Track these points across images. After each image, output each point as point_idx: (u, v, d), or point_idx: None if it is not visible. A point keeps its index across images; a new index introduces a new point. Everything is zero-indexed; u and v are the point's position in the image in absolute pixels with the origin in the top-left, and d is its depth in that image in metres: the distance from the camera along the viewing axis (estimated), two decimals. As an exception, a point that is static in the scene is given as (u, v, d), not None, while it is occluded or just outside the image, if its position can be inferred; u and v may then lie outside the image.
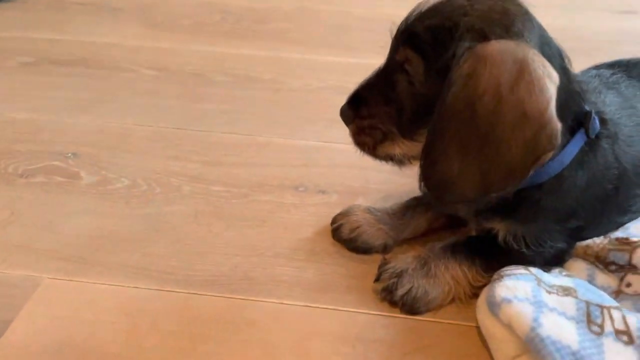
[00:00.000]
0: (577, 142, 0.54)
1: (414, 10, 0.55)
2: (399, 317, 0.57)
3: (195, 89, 1.01)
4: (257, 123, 0.91)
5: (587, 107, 0.56)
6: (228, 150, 0.84)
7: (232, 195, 0.75)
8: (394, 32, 0.58)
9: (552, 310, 0.47)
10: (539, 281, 0.50)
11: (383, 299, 0.58)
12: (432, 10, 0.52)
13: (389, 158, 0.60)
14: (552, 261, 0.57)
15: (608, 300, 0.50)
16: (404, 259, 0.60)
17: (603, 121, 0.57)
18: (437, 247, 0.60)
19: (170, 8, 1.35)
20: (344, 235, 0.66)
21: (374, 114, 0.58)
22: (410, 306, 0.57)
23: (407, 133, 0.56)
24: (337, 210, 0.70)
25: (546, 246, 0.56)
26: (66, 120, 0.90)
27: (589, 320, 0.46)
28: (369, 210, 0.67)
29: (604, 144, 0.57)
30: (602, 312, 0.47)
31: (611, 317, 0.47)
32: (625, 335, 0.45)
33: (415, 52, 0.52)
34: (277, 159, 0.83)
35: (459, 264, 0.58)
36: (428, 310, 0.57)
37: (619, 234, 0.55)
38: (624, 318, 0.47)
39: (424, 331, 0.56)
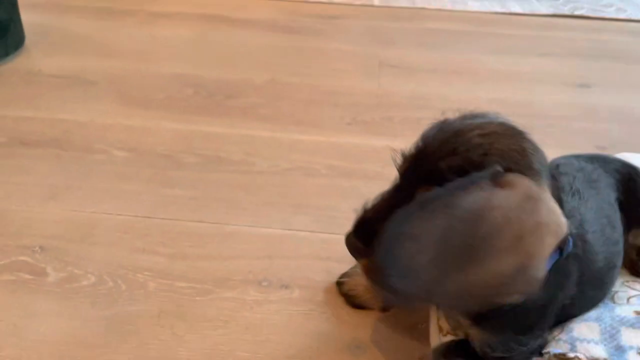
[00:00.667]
0: (549, 262, 0.53)
1: (424, 146, 0.53)
2: None
3: (165, 172, 1.03)
4: (224, 210, 0.93)
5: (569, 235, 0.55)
6: (194, 241, 0.86)
7: (197, 292, 0.77)
8: (400, 161, 0.56)
9: None
10: None
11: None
12: (448, 148, 0.51)
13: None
14: (535, 352, 0.60)
15: None
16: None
17: (577, 240, 0.58)
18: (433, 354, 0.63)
19: (144, 81, 1.39)
20: (343, 291, 0.75)
21: None
22: None
23: None
24: (299, 307, 0.73)
25: (518, 350, 0.59)
26: (35, 209, 0.91)
27: None
28: None
29: (571, 265, 0.58)
30: None
31: None
32: None
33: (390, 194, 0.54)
34: (242, 250, 0.85)
35: None
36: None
37: (557, 349, 0.59)
38: None
39: None
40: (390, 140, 1.18)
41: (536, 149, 0.53)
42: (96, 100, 1.29)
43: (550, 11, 2.18)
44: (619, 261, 0.67)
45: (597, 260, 0.62)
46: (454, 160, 0.50)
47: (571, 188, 0.65)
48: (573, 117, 1.32)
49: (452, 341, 0.64)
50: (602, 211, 0.66)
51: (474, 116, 0.56)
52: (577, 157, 0.78)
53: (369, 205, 0.57)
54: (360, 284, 0.74)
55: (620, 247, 0.67)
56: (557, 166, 0.70)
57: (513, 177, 0.49)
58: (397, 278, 0.46)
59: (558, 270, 0.54)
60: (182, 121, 1.21)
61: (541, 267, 0.48)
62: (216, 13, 1.97)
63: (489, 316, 0.57)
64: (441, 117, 0.58)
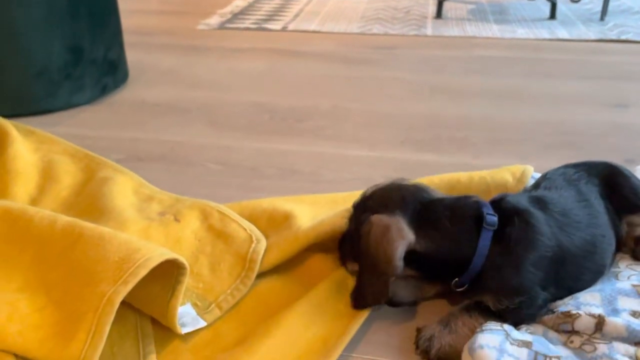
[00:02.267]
0: (485, 238, 0.78)
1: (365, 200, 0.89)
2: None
3: (251, 181, 1.27)
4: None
5: (485, 212, 0.80)
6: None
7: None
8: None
9: (510, 355, 0.68)
10: (507, 335, 0.71)
11: (423, 359, 0.78)
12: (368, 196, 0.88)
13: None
14: (541, 307, 0.78)
15: (552, 352, 0.71)
16: (431, 326, 0.79)
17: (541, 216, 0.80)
18: (454, 309, 0.81)
19: (228, 109, 1.65)
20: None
21: None
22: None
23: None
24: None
25: (526, 298, 0.77)
26: (154, 209, 1.17)
27: None
28: None
29: (518, 234, 0.78)
30: (545, 359, 0.68)
31: None
32: (556, 377, 0.66)
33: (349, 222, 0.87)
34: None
35: (473, 318, 0.78)
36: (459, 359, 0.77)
37: (564, 308, 0.76)
38: None
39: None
40: (438, 156, 1.38)
41: (401, 197, 0.84)
42: (191, 124, 1.56)
43: (598, 36, 2.31)
44: (605, 241, 0.84)
45: (581, 228, 0.81)
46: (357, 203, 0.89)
47: (550, 186, 0.84)
48: (606, 134, 1.47)
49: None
50: (582, 196, 0.85)
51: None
52: (567, 165, 0.97)
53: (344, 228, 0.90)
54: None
55: (603, 230, 0.85)
56: (545, 175, 0.91)
57: (375, 218, 0.81)
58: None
59: (502, 239, 0.78)
60: (261, 141, 1.46)
61: (395, 260, 0.77)
62: (284, 47, 2.25)
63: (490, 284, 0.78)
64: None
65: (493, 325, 0.75)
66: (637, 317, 0.75)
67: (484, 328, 0.74)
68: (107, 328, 0.67)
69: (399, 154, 1.39)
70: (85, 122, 1.58)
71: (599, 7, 2.64)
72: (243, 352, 0.75)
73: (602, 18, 2.56)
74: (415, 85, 1.84)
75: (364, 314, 0.83)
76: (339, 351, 0.77)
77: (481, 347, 0.70)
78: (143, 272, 0.70)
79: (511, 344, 0.70)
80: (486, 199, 1.04)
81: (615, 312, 0.77)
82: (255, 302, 0.87)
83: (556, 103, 1.67)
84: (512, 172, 1.05)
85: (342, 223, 0.97)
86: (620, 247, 0.90)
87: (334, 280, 0.89)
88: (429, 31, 2.47)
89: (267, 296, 0.88)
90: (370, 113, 1.63)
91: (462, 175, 1.07)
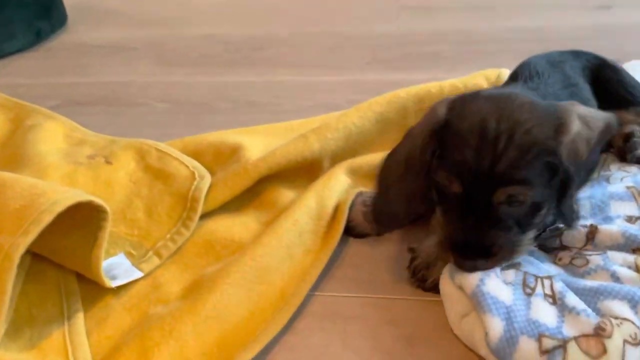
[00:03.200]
0: None
1: (461, 154, 0.58)
2: (371, 297, 0.69)
3: (202, 117, 1.14)
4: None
5: None
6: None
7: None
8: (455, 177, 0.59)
9: (497, 276, 0.59)
10: None
11: (417, 287, 0.68)
12: (490, 149, 0.56)
13: None
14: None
15: (543, 271, 0.61)
16: (427, 251, 0.67)
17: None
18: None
19: (178, 44, 1.50)
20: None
21: (501, 244, 0.59)
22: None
23: (529, 228, 0.61)
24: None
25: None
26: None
27: (524, 285, 0.57)
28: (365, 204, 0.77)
29: None
30: (535, 280, 0.58)
31: (542, 284, 0.57)
32: (550, 298, 0.56)
33: (522, 186, 0.57)
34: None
35: None
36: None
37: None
38: (551, 285, 0.57)
39: (394, 307, 0.67)
40: (407, 74, 1.25)
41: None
42: (137, 64, 1.41)
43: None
44: None
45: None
46: (509, 158, 0.57)
47: (531, 74, 0.72)
48: (589, 37, 1.34)
49: None
50: (566, 83, 0.74)
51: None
52: (551, 51, 0.84)
53: (450, 228, 0.62)
54: (358, 213, 0.77)
55: None
56: (524, 62, 0.79)
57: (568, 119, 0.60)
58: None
59: None
60: (214, 74, 1.31)
61: None
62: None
63: None
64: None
65: None
66: (633, 222, 0.65)
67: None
68: (8, 287, 0.56)
69: (364, 76, 1.26)
70: (19, 70, 1.42)
71: None
72: (187, 308, 0.64)
73: None
74: (382, 3, 1.68)
75: (328, 251, 0.73)
76: (299, 300, 0.67)
77: None
78: (48, 219, 0.58)
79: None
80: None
81: (609, 219, 0.67)
82: (201, 246, 0.76)
83: (533, 10, 1.53)
84: (487, 76, 0.93)
85: (296, 151, 0.85)
86: (608, 146, 0.79)
87: (292, 215, 0.77)
88: (397, -51, 2.27)
89: (215, 238, 0.77)
90: (334, 36, 1.48)
91: (432, 86, 0.95)
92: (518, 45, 1.32)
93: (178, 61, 1.40)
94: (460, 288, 0.60)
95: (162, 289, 0.70)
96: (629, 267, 0.59)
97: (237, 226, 0.79)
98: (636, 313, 0.54)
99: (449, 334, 0.62)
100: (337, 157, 0.89)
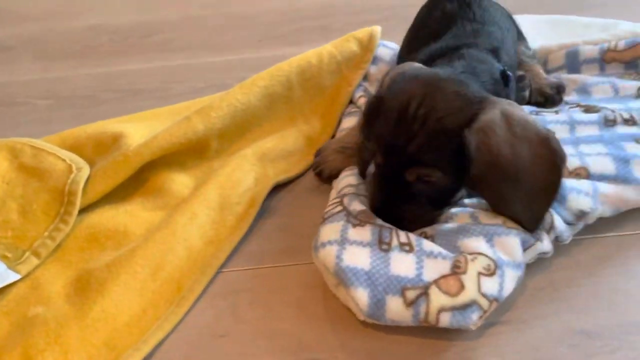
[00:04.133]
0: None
1: (381, 128, 0.62)
2: (261, 268, 0.69)
3: (87, 110, 1.09)
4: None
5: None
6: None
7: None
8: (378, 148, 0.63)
9: (352, 243, 0.59)
10: (347, 215, 0.62)
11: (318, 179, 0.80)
12: (405, 130, 0.59)
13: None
14: None
15: None
16: (327, 150, 0.79)
17: None
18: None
19: (60, 38, 1.41)
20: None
21: (412, 219, 0.63)
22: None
23: (445, 206, 0.64)
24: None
25: None
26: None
27: (380, 242, 0.59)
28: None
29: None
30: (390, 233, 0.60)
31: (397, 235, 0.59)
32: (407, 246, 0.58)
33: (429, 168, 0.60)
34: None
35: None
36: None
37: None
38: (407, 234, 0.59)
39: (283, 275, 0.68)
40: (298, 48, 1.24)
41: (461, 80, 0.64)
42: (14, 63, 1.32)
43: None
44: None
45: None
46: (420, 139, 0.59)
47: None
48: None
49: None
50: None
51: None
52: None
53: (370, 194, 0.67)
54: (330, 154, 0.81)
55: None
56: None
57: (481, 123, 0.60)
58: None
59: None
60: (99, 66, 1.26)
61: (550, 135, 0.62)
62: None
63: None
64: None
65: (333, 208, 0.66)
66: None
67: (324, 216, 0.65)
68: None
69: (256, 54, 1.25)
70: None
71: None
72: (72, 313, 0.62)
73: None
74: (274, -19, 1.67)
75: (233, 242, 0.72)
76: (196, 293, 0.66)
77: (323, 245, 0.60)
78: None
79: (353, 225, 0.61)
80: (338, 77, 0.95)
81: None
82: (84, 240, 0.73)
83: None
84: (359, 39, 0.95)
85: (179, 133, 0.83)
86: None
87: (189, 209, 0.74)
88: None
89: (99, 230, 0.74)
90: (225, 17, 1.45)
91: (312, 56, 0.96)
92: (405, 10, 1.35)
93: (60, 55, 1.32)
94: (325, 265, 0.60)
95: (42, 288, 0.66)
96: (486, 209, 0.62)
97: (122, 215, 0.76)
98: (491, 246, 0.57)
99: (337, 293, 0.64)
100: (225, 135, 0.88)
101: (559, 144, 0.60)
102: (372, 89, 0.94)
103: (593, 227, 0.67)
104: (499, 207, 0.61)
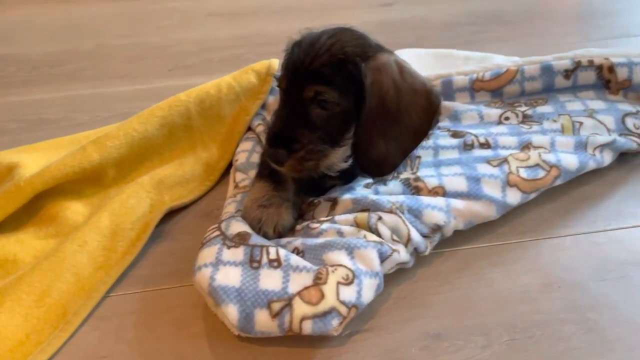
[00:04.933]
0: None
1: (293, 56, 0.70)
2: (147, 291, 0.72)
3: (-13, 141, 1.09)
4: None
5: None
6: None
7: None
8: (280, 78, 0.71)
9: (225, 264, 0.64)
10: (224, 238, 0.67)
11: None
12: (313, 52, 0.69)
13: (328, 168, 0.73)
14: None
15: (269, 242, 0.68)
16: (252, 212, 0.72)
17: None
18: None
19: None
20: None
21: (305, 143, 0.68)
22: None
23: (337, 143, 0.71)
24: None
25: None
26: None
27: (251, 260, 0.64)
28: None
29: None
30: (261, 251, 0.65)
31: (268, 253, 0.64)
32: (276, 262, 0.63)
33: (326, 86, 0.68)
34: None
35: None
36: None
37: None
38: (277, 251, 0.65)
39: (164, 298, 0.71)
40: (208, 78, 1.29)
41: (365, 34, 0.74)
42: None
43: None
44: None
45: None
46: (323, 59, 0.68)
47: None
48: (372, 32, 1.48)
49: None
50: None
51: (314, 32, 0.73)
52: None
53: (271, 123, 0.72)
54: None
55: None
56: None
57: (377, 62, 0.70)
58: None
59: None
60: (5, 95, 1.25)
61: (430, 85, 0.76)
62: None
63: None
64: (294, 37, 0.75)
65: (211, 233, 0.70)
66: (369, 187, 0.76)
67: (204, 241, 0.69)
68: None
69: (165, 83, 1.28)
70: None
71: None
72: None
73: None
74: (190, 12, 1.72)
75: (121, 267, 0.75)
76: (81, 317, 0.69)
77: (199, 268, 0.65)
78: None
79: (228, 247, 0.66)
80: (237, 106, 1.00)
81: (351, 188, 0.76)
82: (-29, 271, 0.74)
83: (328, 11, 1.66)
84: (257, 71, 1.01)
85: (74, 162, 0.86)
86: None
87: (80, 237, 0.77)
88: (210, -42, 2.32)
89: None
90: (138, 46, 1.48)
91: (211, 87, 1.00)
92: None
93: (-37, 86, 1.31)
94: (199, 287, 0.64)
95: None
96: (351, 225, 0.68)
97: (12, 244, 0.78)
98: (351, 258, 0.63)
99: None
100: (123, 164, 0.91)
101: (438, 98, 0.74)
102: (270, 117, 1.00)
103: (452, 240, 0.75)
104: (373, 145, 0.70)
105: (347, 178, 0.77)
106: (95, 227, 0.78)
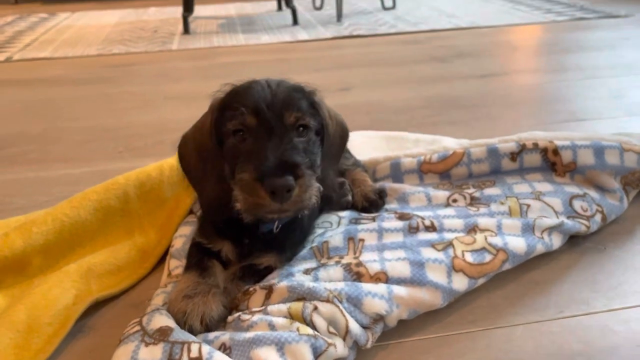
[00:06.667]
0: None
1: (254, 95, 0.71)
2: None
3: None
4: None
5: None
6: None
7: None
8: (250, 120, 0.70)
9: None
10: (143, 334, 0.60)
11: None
12: (274, 88, 0.72)
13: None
14: None
15: (191, 338, 0.61)
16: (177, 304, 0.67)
17: None
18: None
19: None
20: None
21: (304, 169, 0.67)
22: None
23: (315, 171, 0.71)
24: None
25: None
26: None
27: (170, 358, 0.57)
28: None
29: None
30: (181, 349, 0.58)
31: (189, 350, 0.58)
32: (195, 361, 0.57)
33: (301, 111, 0.71)
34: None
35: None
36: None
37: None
38: (199, 349, 0.58)
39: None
40: (158, 159, 1.26)
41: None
42: None
43: (333, 35, 2.45)
44: None
45: None
46: (286, 92, 0.72)
47: None
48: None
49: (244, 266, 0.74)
50: None
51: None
52: None
53: (251, 166, 0.67)
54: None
55: None
56: None
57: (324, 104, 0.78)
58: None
59: None
60: (-60, 179, 1.20)
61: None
62: (3, 78, 1.96)
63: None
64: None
65: (130, 328, 0.64)
66: (309, 273, 0.71)
67: (121, 337, 0.62)
68: None
69: (113, 165, 1.25)
70: None
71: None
72: None
73: (338, 20, 2.74)
74: (147, 96, 1.72)
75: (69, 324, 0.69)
76: None
77: None
78: None
79: (146, 344, 0.59)
80: (179, 188, 0.96)
81: (290, 275, 0.72)
82: None
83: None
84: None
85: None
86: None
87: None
88: (174, 46, 2.38)
89: None
90: (89, 129, 1.46)
91: (152, 169, 0.97)
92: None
93: None
94: None
95: None
96: (285, 317, 0.63)
97: None
98: (282, 355, 0.57)
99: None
100: (50, 252, 0.85)
101: (347, 127, 0.84)
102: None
103: (397, 331, 0.69)
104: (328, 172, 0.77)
105: (277, 246, 0.76)
106: (8, 322, 0.71)
